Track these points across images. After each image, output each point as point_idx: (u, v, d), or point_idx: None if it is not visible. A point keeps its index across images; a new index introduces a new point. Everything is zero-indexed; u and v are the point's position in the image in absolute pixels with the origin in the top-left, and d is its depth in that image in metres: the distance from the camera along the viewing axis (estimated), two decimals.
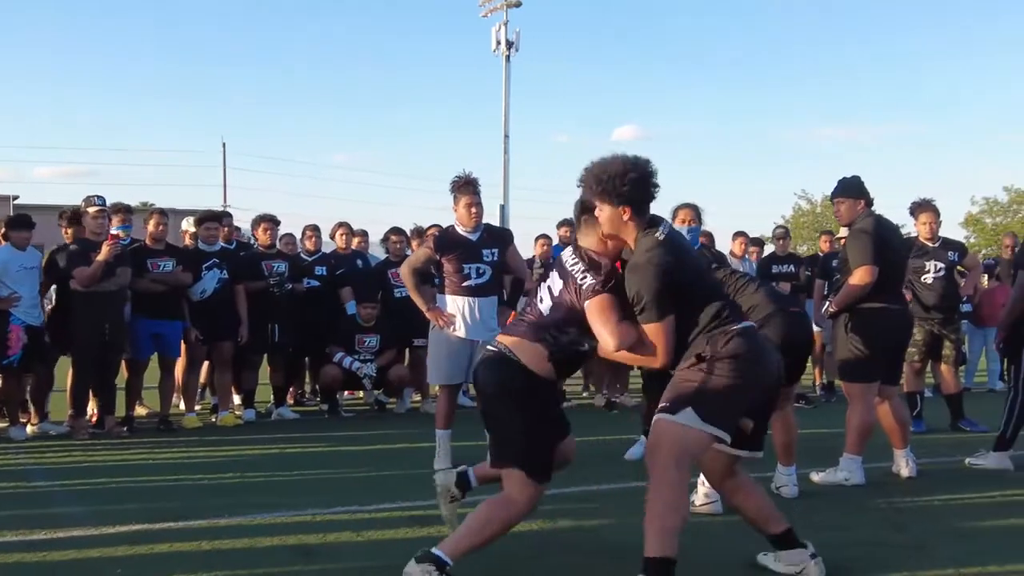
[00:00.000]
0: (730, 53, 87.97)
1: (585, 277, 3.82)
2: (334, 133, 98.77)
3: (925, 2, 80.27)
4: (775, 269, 10.66)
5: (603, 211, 3.79)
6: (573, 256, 3.96)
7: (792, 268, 10.73)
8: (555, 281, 3.97)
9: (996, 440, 6.71)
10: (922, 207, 8.36)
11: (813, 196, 56.00)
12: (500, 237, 6.87)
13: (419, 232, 10.03)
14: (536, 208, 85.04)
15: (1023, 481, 6.30)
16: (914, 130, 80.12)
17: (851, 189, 6.31)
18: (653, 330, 3.68)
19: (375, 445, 7.67)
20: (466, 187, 6.58)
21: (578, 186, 3.91)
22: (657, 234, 3.75)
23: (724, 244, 11.21)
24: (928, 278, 8.23)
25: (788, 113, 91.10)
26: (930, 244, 8.33)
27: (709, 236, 10.79)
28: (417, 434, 7.65)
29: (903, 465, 6.37)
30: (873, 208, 6.29)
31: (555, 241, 10.49)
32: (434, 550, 3.79)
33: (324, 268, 9.57)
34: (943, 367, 8.52)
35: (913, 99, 79.25)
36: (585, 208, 3.97)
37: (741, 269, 10.26)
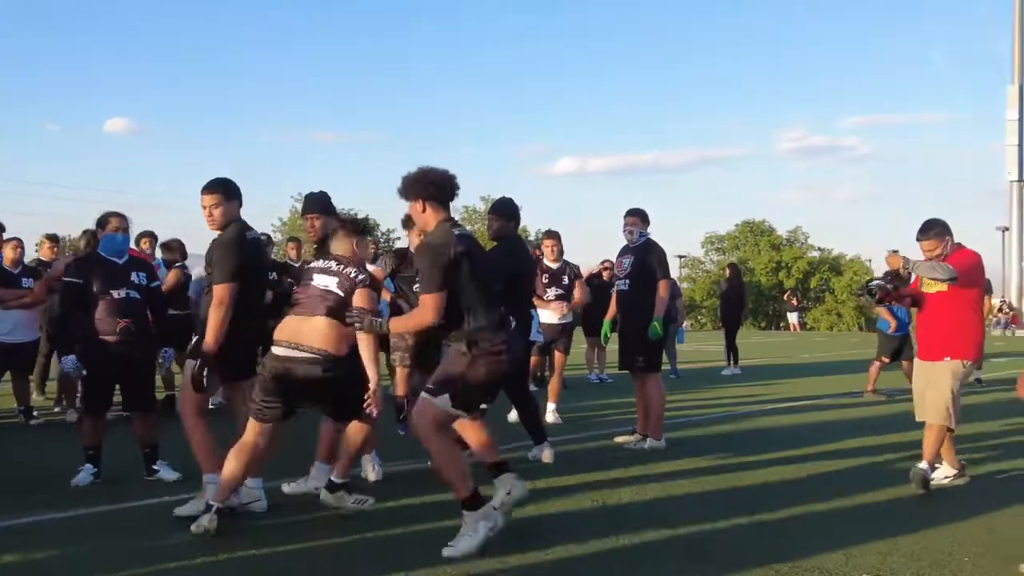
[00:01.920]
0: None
1: (358, 275, 5.13)
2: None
3: None
4: None
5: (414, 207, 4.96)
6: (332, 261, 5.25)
7: None
8: (324, 280, 5.14)
9: None
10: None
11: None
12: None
13: None
14: None
15: None
16: None
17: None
18: (427, 299, 4.71)
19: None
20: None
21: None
22: (453, 229, 4.84)
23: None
24: None
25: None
26: None
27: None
28: None
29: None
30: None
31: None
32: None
33: None
34: None
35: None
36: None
37: None
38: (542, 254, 10.39)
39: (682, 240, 78.36)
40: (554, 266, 10.28)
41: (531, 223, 39.63)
